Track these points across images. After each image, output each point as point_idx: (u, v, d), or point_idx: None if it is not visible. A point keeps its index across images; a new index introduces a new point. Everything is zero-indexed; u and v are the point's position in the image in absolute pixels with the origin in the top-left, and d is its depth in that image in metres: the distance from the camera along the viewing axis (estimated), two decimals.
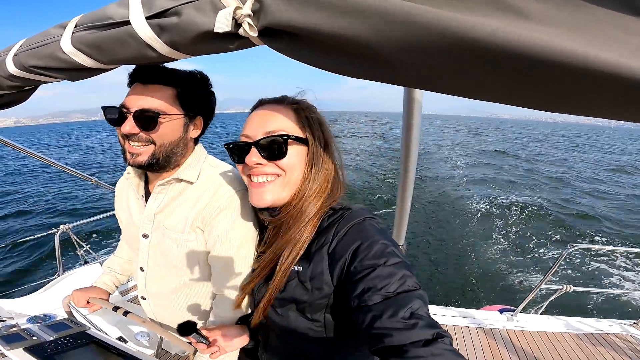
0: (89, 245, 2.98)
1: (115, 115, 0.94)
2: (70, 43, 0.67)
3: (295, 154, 0.80)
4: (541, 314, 3.26)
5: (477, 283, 7.01)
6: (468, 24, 0.37)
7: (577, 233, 10.49)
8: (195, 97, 1.00)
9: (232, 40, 0.54)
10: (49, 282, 2.48)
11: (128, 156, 0.97)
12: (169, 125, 0.96)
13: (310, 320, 0.77)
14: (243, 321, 1.04)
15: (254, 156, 0.79)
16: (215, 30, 0.50)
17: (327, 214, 0.80)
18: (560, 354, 2.70)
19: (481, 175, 18.87)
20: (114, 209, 1.27)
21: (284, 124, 0.80)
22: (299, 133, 0.80)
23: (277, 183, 0.81)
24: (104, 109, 0.97)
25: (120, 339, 1.93)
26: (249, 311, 1.05)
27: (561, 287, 2.98)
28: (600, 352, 2.74)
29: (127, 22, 0.58)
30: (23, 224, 10.93)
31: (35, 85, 0.91)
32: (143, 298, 1.21)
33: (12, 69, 0.78)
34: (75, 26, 0.67)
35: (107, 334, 1.27)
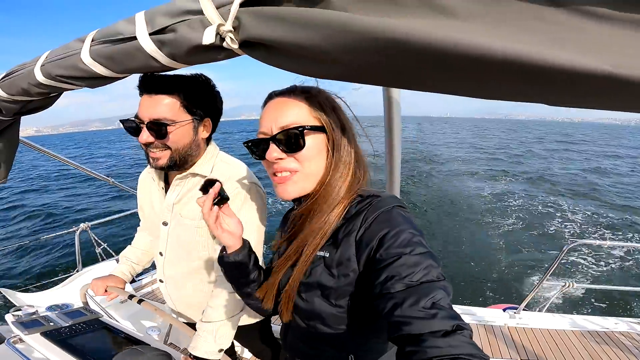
0: (106, 243, 3.15)
1: (132, 127, 1.06)
2: (89, 55, 0.79)
3: (315, 144, 0.78)
4: (546, 311, 3.19)
5: (481, 282, 6.91)
6: (397, 27, 0.45)
7: (582, 229, 10.29)
8: (200, 100, 1.09)
9: (219, 52, 0.64)
10: (68, 277, 2.64)
11: (151, 161, 1.09)
12: (180, 131, 1.06)
13: (334, 306, 0.77)
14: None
15: (274, 152, 0.78)
16: (201, 42, 0.61)
17: (356, 201, 0.79)
18: (563, 352, 2.64)
19: (485, 173, 18.82)
20: (129, 209, 1.40)
21: (297, 115, 0.78)
22: (314, 122, 0.79)
23: (299, 176, 0.80)
24: (122, 121, 1.08)
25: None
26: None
27: (564, 283, 2.92)
28: (604, 351, 2.65)
29: (134, 38, 0.69)
30: (46, 221, 11.51)
31: (60, 92, 1.03)
32: (161, 281, 1.33)
33: (40, 77, 0.90)
34: (92, 40, 0.78)
35: (118, 323, 1.38)
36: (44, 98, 1.07)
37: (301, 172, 0.80)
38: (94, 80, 0.87)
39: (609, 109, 0.47)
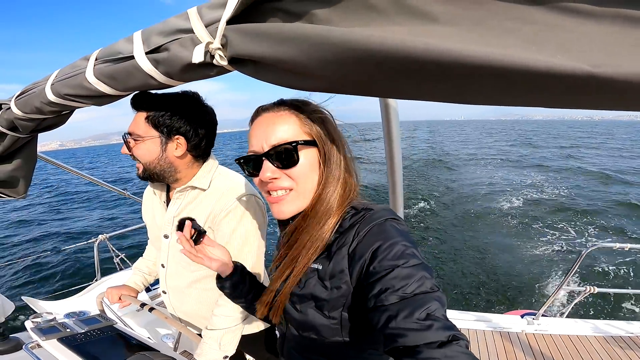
0: (124, 254, 3.25)
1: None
2: (93, 74, 0.82)
3: (307, 159, 0.78)
4: (566, 317, 3.07)
5: (498, 288, 6.76)
6: (370, 37, 0.46)
7: (602, 231, 9.91)
8: (170, 118, 1.10)
9: (211, 68, 0.67)
10: (87, 286, 2.72)
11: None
12: (143, 146, 1.13)
13: (328, 318, 0.78)
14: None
15: (267, 171, 0.78)
16: (192, 61, 0.63)
17: (350, 214, 0.79)
18: (585, 359, 2.52)
19: (501, 176, 18.48)
20: (145, 223, 1.45)
21: (288, 131, 0.78)
22: (304, 136, 0.78)
23: (294, 194, 0.80)
24: (123, 136, 1.17)
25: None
26: None
27: (584, 288, 2.80)
28: (629, 356, 2.52)
29: (132, 57, 0.72)
30: (66, 233, 11.95)
31: (71, 109, 1.08)
32: (164, 292, 1.38)
33: (51, 96, 0.95)
34: (96, 59, 0.82)
35: (133, 330, 1.42)
36: (57, 116, 1.12)
37: (295, 190, 0.79)
38: (100, 99, 0.91)
39: (591, 109, 0.46)
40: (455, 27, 0.45)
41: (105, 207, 16.33)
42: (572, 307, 3.04)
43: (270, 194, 0.81)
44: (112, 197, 17.48)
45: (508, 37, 0.42)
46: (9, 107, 1.10)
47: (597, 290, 2.79)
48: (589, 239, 9.30)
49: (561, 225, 10.39)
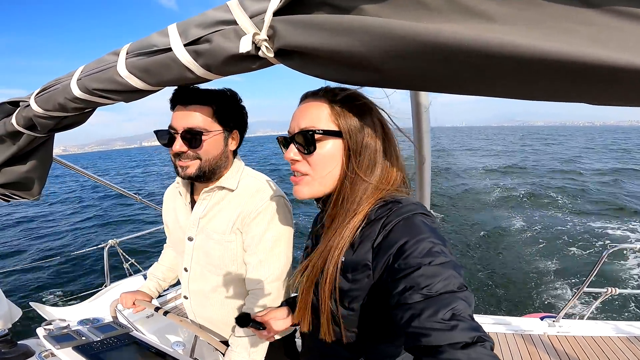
0: (134, 259, 3.21)
1: (166, 138, 1.09)
2: (125, 68, 0.80)
3: (326, 149, 0.79)
4: (587, 319, 3.00)
5: (516, 290, 6.66)
6: (434, 31, 0.44)
7: (623, 233, 9.81)
8: (230, 112, 1.12)
9: (254, 61, 0.64)
10: (97, 292, 2.68)
11: (179, 170, 1.11)
12: (211, 141, 1.09)
13: (347, 309, 0.77)
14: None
15: (290, 152, 0.82)
16: (239, 52, 0.60)
17: (378, 206, 0.76)
18: (610, 359, 2.45)
19: (515, 178, 18.49)
20: (156, 226, 1.42)
21: (315, 118, 0.79)
22: (331, 126, 0.78)
23: (309, 179, 0.81)
24: (156, 132, 1.11)
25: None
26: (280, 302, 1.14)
27: (605, 290, 2.74)
28: None
29: (169, 49, 0.70)
30: (76, 238, 11.88)
31: (94, 107, 1.06)
32: (185, 297, 1.33)
33: (77, 92, 0.92)
34: (127, 53, 0.79)
35: (146, 337, 1.38)
36: (79, 114, 1.10)
37: (311, 176, 0.81)
38: (130, 94, 0.89)
39: None
40: (513, 26, 0.44)
41: (116, 211, 16.28)
42: (593, 309, 2.98)
43: (294, 174, 0.85)
44: (124, 201, 17.40)
45: (569, 36, 0.41)
46: (28, 105, 1.07)
47: (618, 291, 2.73)
48: (609, 241, 9.20)
49: (580, 227, 10.30)
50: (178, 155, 1.09)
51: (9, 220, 15.43)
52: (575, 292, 2.81)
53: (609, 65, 0.38)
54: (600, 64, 0.39)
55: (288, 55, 0.60)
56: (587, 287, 2.76)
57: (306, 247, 0.96)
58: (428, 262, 0.63)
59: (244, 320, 0.92)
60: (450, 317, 0.56)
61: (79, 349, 1.12)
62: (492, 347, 0.55)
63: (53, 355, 1.11)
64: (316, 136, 0.77)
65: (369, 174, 0.78)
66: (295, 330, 1.44)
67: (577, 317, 3.08)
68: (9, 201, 1.49)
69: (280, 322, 0.99)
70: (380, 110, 0.83)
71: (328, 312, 0.78)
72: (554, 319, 2.87)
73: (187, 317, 1.38)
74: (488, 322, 2.94)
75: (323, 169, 0.80)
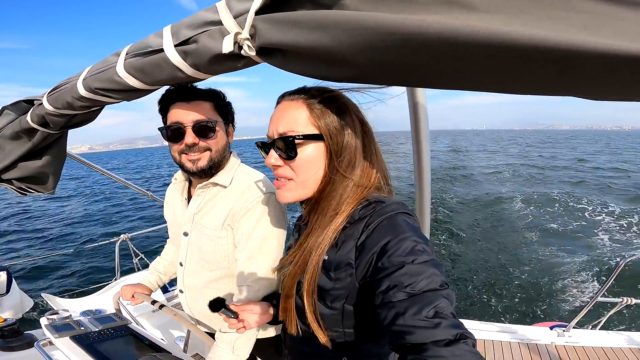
0: (143, 254, 3.30)
1: (172, 134, 1.12)
2: (123, 68, 0.83)
3: (308, 153, 0.78)
4: (599, 329, 2.88)
5: (525, 298, 6.40)
6: (414, 21, 0.43)
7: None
8: (226, 107, 1.18)
9: (239, 60, 0.66)
10: (107, 285, 2.76)
11: (189, 165, 1.14)
12: (220, 133, 1.15)
13: (329, 308, 0.77)
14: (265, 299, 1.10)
15: (271, 157, 0.81)
16: (222, 52, 0.63)
17: (361, 205, 0.77)
18: None
19: (528, 180, 18.05)
20: (166, 222, 1.46)
21: (294, 122, 0.78)
22: (311, 129, 0.78)
23: (293, 184, 0.82)
24: (163, 129, 1.15)
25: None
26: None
27: (621, 299, 2.63)
28: None
29: (162, 50, 0.73)
30: (88, 232, 12.28)
31: (100, 105, 1.10)
32: (181, 291, 1.36)
33: (82, 91, 0.97)
34: (127, 54, 0.83)
35: (145, 330, 1.42)
36: (87, 112, 1.15)
37: (294, 181, 0.81)
38: (129, 93, 0.92)
39: None
40: (496, 15, 0.42)
41: (128, 207, 16.73)
42: (606, 320, 2.85)
43: (277, 179, 0.85)
44: (135, 197, 17.86)
45: (557, 24, 0.39)
46: (41, 103, 1.13)
47: (634, 301, 2.61)
48: (627, 249, 8.79)
49: (596, 236, 9.86)
50: (189, 148, 1.11)
51: (26, 212, 16.12)
52: (589, 301, 2.71)
53: (603, 54, 0.36)
54: (593, 52, 0.36)
55: (270, 53, 0.61)
56: (601, 296, 2.65)
57: (289, 246, 0.97)
58: (411, 260, 0.64)
59: (217, 304, 0.89)
60: (433, 315, 0.57)
61: (76, 338, 1.16)
62: (475, 344, 0.55)
63: (51, 343, 1.15)
64: (296, 141, 0.77)
65: (349, 172, 0.78)
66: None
67: (590, 327, 2.95)
68: (25, 194, 1.57)
69: (255, 317, 0.97)
70: (359, 108, 0.83)
71: (310, 310, 0.79)
72: (564, 329, 2.77)
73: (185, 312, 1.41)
74: (493, 330, 2.85)
75: (306, 173, 0.80)
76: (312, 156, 0.79)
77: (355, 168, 0.79)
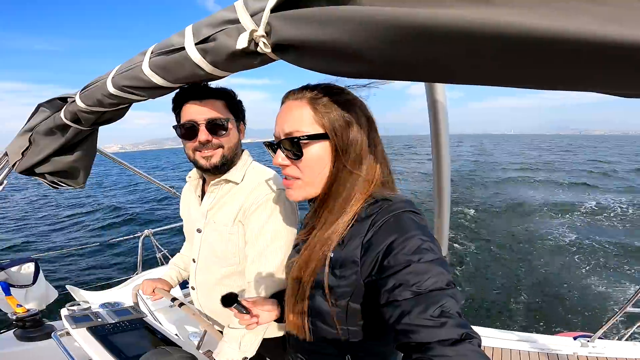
0: (166, 249, 3.37)
1: (187, 130, 1.15)
2: (148, 66, 0.87)
3: (314, 152, 0.79)
4: (625, 340, 2.68)
5: (549, 306, 6.06)
6: (428, 15, 0.42)
7: None
8: (237, 105, 1.21)
9: (255, 57, 0.68)
10: (129, 278, 2.84)
11: (203, 161, 1.17)
12: (232, 130, 1.18)
13: (334, 306, 0.77)
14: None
15: (279, 157, 0.83)
16: (237, 48, 0.64)
17: (368, 203, 0.76)
18: None
19: (553, 184, 17.37)
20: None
21: (299, 121, 0.78)
22: (316, 129, 0.78)
23: (300, 183, 0.82)
24: (177, 126, 1.18)
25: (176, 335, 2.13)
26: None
27: None
28: None
29: (183, 48, 0.76)
30: (114, 227, 12.81)
31: (128, 103, 1.15)
32: (193, 288, 1.38)
33: (111, 89, 1.01)
34: (151, 52, 0.87)
35: (161, 325, 1.44)
36: (115, 109, 1.20)
37: (302, 180, 0.82)
38: (153, 91, 0.96)
39: None
40: (514, 8, 0.40)
41: (154, 203, 17.31)
42: (634, 331, 2.65)
43: (285, 178, 0.86)
44: (161, 194, 18.39)
45: (580, 16, 0.37)
46: (74, 100, 1.19)
47: None
48: None
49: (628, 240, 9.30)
50: (202, 145, 1.14)
51: (59, 206, 16.90)
52: (617, 311, 2.54)
53: (630, 45, 0.34)
54: (618, 44, 0.34)
55: (285, 49, 0.62)
56: (631, 306, 2.48)
57: (296, 243, 0.96)
58: (417, 259, 0.64)
59: (230, 300, 0.87)
60: (439, 314, 0.57)
61: (92, 329, 1.18)
62: (480, 344, 0.55)
63: (68, 334, 1.18)
64: (302, 142, 0.78)
65: (357, 167, 0.78)
66: None
67: (616, 337, 2.75)
68: (57, 188, 1.65)
69: (267, 314, 0.98)
70: (364, 103, 0.83)
71: (314, 308, 0.79)
72: (588, 339, 2.60)
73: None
74: (513, 339, 2.71)
75: (313, 172, 0.80)
76: (318, 155, 0.79)
77: (362, 163, 0.79)
